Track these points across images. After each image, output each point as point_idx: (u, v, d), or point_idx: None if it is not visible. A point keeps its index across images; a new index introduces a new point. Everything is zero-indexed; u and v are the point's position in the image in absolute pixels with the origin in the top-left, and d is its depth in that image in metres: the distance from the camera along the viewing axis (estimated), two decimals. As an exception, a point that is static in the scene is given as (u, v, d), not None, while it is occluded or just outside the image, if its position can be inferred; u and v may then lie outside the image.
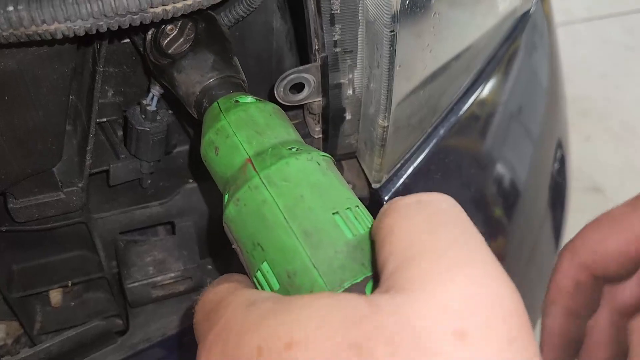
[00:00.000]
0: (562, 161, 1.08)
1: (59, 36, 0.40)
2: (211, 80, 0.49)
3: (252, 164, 0.40)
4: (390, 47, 0.48)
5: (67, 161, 0.59)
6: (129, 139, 0.60)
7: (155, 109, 0.58)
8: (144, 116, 0.58)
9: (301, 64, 0.65)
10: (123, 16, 0.40)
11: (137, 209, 0.66)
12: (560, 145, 1.08)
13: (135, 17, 0.40)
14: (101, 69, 0.55)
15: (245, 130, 0.43)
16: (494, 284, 0.26)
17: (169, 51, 0.50)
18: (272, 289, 0.36)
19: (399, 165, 0.67)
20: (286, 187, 0.38)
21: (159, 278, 0.66)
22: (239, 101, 0.46)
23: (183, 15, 0.43)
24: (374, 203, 0.67)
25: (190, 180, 0.67)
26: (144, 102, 0.58)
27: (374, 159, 0.62)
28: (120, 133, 0.63)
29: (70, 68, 0.49)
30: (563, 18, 2.94)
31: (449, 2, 0.60)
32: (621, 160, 2.41)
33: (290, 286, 0.35)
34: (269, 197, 0.38)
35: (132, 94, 0.63)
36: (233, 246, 0.41)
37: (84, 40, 0.52)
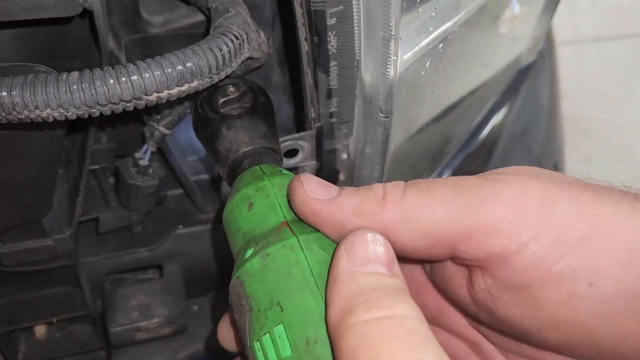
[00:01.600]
0: None
1: (51, 120, 0.39)
2: (259, 146, 0.48)
3: (290, 227, 0.39)
4: (384, 131, 0.48)
5: (57, 207, 0.59)
6: (120, 191, 0.59)
7: (148, 162, 0.58)
8: (135, 169, 0.58)
9: (297, 116, 0.65)
10: (116, 104, 0.39)
11: (125, 254, 0.65)
12: (556, 167, 1.08)
13: (128, 104, 0.40)
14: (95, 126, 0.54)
15: (286, 197, 0.42)
16: None
17: (222, 110, 0.50)
18: (278, 356, 0.34)
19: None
20: (322, 255, 0.37)
21: (143, 323, 0.66)
22: (282, 171, 0.45)
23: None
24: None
25: (180, 226, 0.67)
26: (137, 155, 0.58)
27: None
28: (111, 180, 0.63)
29: (64, 131, 0.49)
30: (571, 36, 2.93)
31: (446, 69, 0.60)
32: (620, 183, 2.41)
33: (307, 354, 0.33)
34: (304, 259, 0.37)
35: (126, 140, 0.62)
36: (241, 303, 0.38)
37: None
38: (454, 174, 0.77)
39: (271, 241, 0.38)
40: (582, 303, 0.33)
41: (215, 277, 0.73)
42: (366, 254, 0.33)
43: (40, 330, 0.74)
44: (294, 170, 0.61)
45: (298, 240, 0.37)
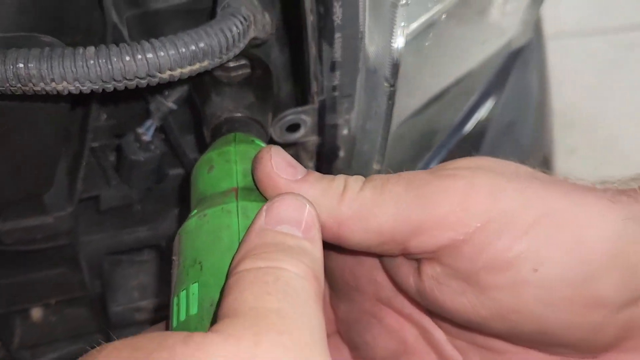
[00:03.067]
0: None
1: (65, 93, 0.39)
2: (240, 115, 0.49)
3: (237, 193, 0.40)
4: (388, 101, 0.48)
5: (57, 185, 0.58)
6: (121, 167, 0.59)
7: (151, 139, 0.58)
8: (138, 145, 0.58)
9: (297, 91, 0.65)
10: (131, 80, 0.40)
11: (125, 233, 0.65)
12: (545, 160, 1.10)
13: (142, 81, 0.40)
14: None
15: (246, 165, 0.43)
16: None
17: (215, 75, 0.51)
18: (187, 313, 0.35)
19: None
20: None
21: (143, 303, 0.66)
22: (254, 141, 0.46)
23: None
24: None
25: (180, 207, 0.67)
26: (140, 130, 0.58)
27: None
28: (111, 158, 0.63)
29: (68, 106, 0.49)
30: (555, 30, 2.96)
31: (448, 36, 0.61)
32: (604, 174, 2.44)
33: (208, 314, 0.34)
34: (235, 224, 0.37)
35: (126, 117, 0.62)
36: (173, 257, 0.40)
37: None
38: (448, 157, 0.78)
39: (213, 203, 0.39)
40: (526, 289, 0.34)
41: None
42: (282, 215, 0.34)
43: (36, 313, 0.73)
44: (295, 145, 0.61)
45: (237, 206, 0.38)
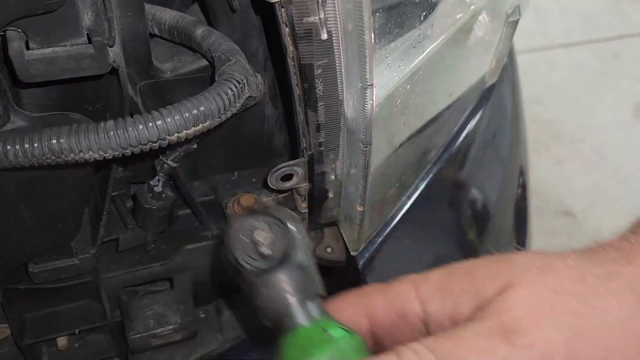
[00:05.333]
0: (524, 187, 1.16)
1: (92, 160, 0.48)
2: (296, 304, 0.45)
3: None
4: (365, 158, 0.57)
5: (82, 232, 0.67)
6: (137, 214, 0.68)
7: (162, 189, 0.66)
8: (150, 195, 0.67)
9: (289, 142, 0.74)
10: (145, 144, 0.48)
11: (140, 269, 0.74)
12: (522, 172, 1.17)
13: (155, 144, 0.49)
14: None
15: None
16: None
17: (254, 263, 0.45)
18: None
19: (374, 233, 0.76)
20: None
21: (158, 330, 0.74)
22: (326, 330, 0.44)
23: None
24: (350, 267, 0.76)
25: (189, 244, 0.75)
26: (151, 183, 0.66)
27: (353, 233, 0.71)
28: (128, 204, 0.71)
29: (93, 168, 0.57)
30: (541, 43, 3.05)
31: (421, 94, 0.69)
32: (591, 184, 2.51)
33: None
34: None
35: (140, 168, 0.71)
36: None
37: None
38: (434, 180, 0.85)
39: None
40: None
41: (218, 287, 0.82)
42: None
43: (62, 341, 0.81)
44: (289, 190, 0.70)
45: None
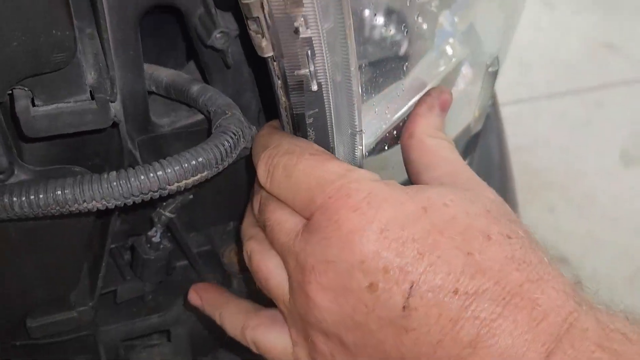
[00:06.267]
0: None
1: (94, 210, 0.50)
2: None
3: None
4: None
5: (81, 284, 0.68)
6: (135, 265, 0.69)
7: (159, 239, 0.68)
8: (149, 245, 0.68)
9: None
10: (146, 194, 0.50)
11: (138, 321, 0.74)
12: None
13: (155, 194, 0.51)
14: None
15: None
16: None
17: None
18: None
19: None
20: None
21: (157, 383, 0.74)
22: None
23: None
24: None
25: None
26: (149, 233, 0.68)
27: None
28: (126, 257, 0.72)
29: (93, 218, 0.59)
30: (526, 94, 3.14)
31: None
32: (584, 230, 2.54)
33: None
34: None
35: (138, 221, 0.72)
36: None
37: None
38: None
39: None
40: None
41: (216, 337, 0.82)
42: None
43: (59, 397, 0.81)
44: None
45: None
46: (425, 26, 0.73)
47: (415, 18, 0.68)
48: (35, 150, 0.57)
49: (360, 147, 0.53)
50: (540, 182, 2.75)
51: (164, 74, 0.68)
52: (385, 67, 0.62)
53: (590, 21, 3.47)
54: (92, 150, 0.63)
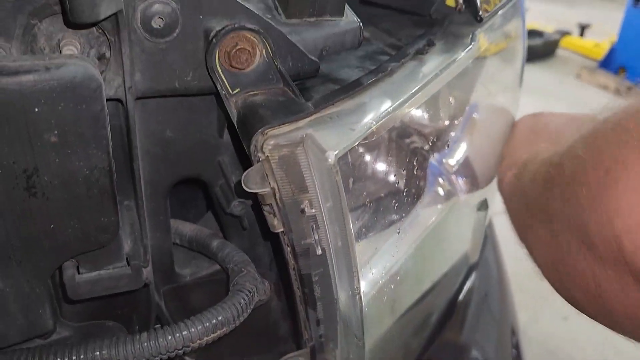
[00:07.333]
0: (517, 347, 1.20)
1: None
2: None
3: None
4: (360, 350, 0.65)
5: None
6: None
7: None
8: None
9: (293, 331, 0.82)
10: (172, 352, 0.57)
11: None
12: (514, 332, 1.21)
13: (180, 350, 0.58)
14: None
15: None
16: None
17: None
18: None
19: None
20: None
21: None
22: None
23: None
24: None
25: None
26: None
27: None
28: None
29: None
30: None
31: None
32: (600, 338, 2.51)
33: None
34: None
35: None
36: None
37: None
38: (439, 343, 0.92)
39: None
40: None
41: None
42: None
43: None
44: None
45: None
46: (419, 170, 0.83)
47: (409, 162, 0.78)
48: (74, 308, 0.65)
49: (361, 304, 0.61)
50: (551, 289, 2.73)
51: (186, 228, 0.77)
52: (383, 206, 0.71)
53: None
54: (124, 304, 0.71)
